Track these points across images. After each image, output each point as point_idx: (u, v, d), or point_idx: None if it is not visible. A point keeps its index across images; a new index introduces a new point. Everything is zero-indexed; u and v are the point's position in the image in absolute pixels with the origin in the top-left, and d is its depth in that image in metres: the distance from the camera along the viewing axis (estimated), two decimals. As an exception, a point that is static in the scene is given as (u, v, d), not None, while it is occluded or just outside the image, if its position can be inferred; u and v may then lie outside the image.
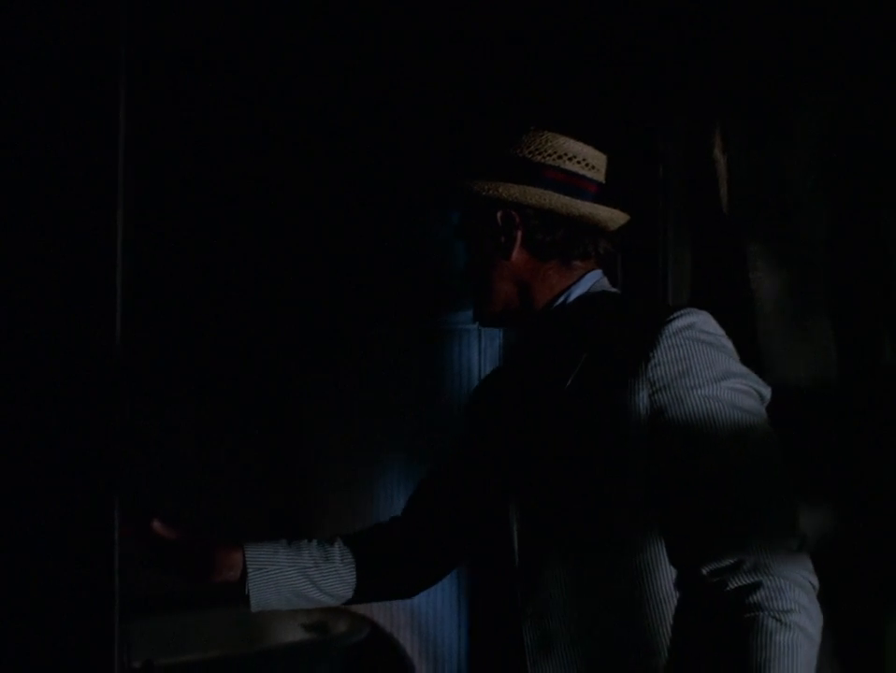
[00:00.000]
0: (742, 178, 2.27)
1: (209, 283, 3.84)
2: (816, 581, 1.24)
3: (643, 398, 1.28)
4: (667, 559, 1.29)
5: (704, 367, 1.28)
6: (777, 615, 1.17)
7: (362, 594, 1.68)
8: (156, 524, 1.58)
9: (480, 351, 3.16)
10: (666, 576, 1.29)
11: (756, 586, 1.19)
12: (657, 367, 1.28)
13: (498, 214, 1.48)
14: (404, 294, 3.58)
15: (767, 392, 1.36)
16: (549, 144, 1.49)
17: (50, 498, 1.16)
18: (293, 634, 3.69)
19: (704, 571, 1.23)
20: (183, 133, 3.64)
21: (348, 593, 1.67)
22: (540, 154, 1.48)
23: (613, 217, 1.51)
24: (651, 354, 1.29)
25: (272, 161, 3.70)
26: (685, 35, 2.34)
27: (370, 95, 3.51)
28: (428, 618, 3.30)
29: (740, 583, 1.20)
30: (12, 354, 1.14)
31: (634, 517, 1.29)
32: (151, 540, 1.58)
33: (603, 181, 1.54)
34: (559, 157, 1.49)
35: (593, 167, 1.52)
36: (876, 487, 2.15)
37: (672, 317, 1.31)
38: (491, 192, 1.46)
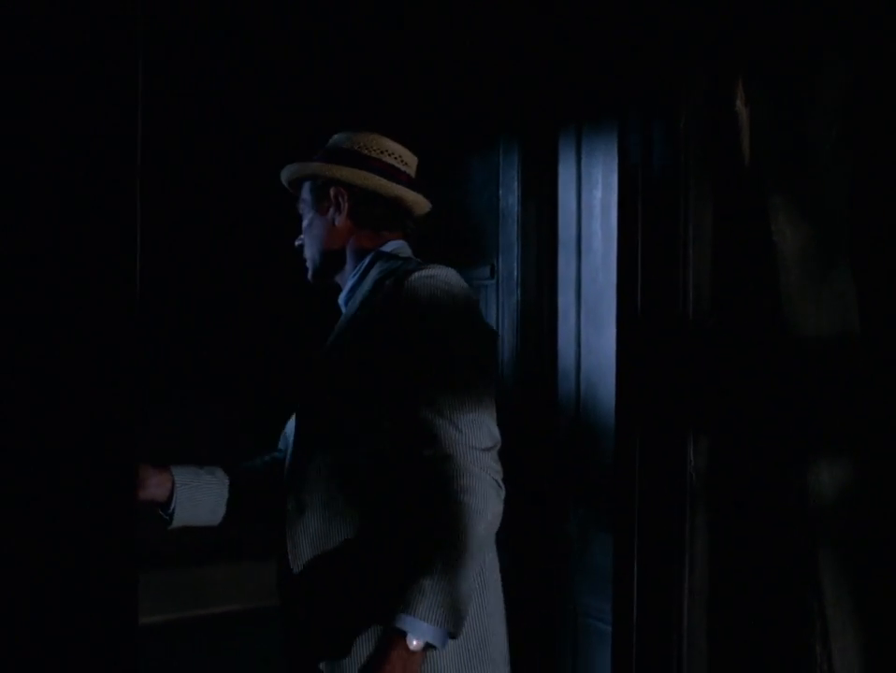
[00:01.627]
0: (764, 130, 2.25)
1: (222, 278, 3.83)
2: (497, 474, 1.63)
3: (391, 326, 1.71)
4: (387, 453, 1.70)
5: (429, 306, 1.70)
6: (454, 494, 1.57)
7: (260, 514, 2.00)
8: None
9: (498, 307, 3.15)
10: (384, 464, 1.70)
11: (445, 471, 1.59)
12: (399, 303, 1.71)
13: (332, 190, 1.93)
14: (419, 252, 3.58)
15: (492, 332, 1.84)
16: (374, 143, 1.97)
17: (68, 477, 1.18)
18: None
19: (421, 455, 1.63)
20: (191, 124, 3.64)
21: (251, 512, 2.00)
22: (367, 149, 1.96)
23: (418, 201, 1.97)
24: (398, 295, 1.71)
25: (280, 148, 3.68)
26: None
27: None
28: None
29: (436, 467, 1.60)
30: (28, 343, 1.15)
31: (369, 417, 1.71)
32: None
33: (413, 175, 2.01)
34: (381, 152, 1.97)
35: (406, 163, 2.00)
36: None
37: (420, 269, 1.73)
38: (328, 173, 1.93)
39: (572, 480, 2.96)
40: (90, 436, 1.19)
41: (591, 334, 2.87)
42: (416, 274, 1.73)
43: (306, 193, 1.99)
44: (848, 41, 2.28)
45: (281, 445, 2.08)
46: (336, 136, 2.03)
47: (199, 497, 1.93)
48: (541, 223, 3.09)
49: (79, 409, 1.18)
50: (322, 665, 1.71)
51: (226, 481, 1.97)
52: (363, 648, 1.66)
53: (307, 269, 2.03)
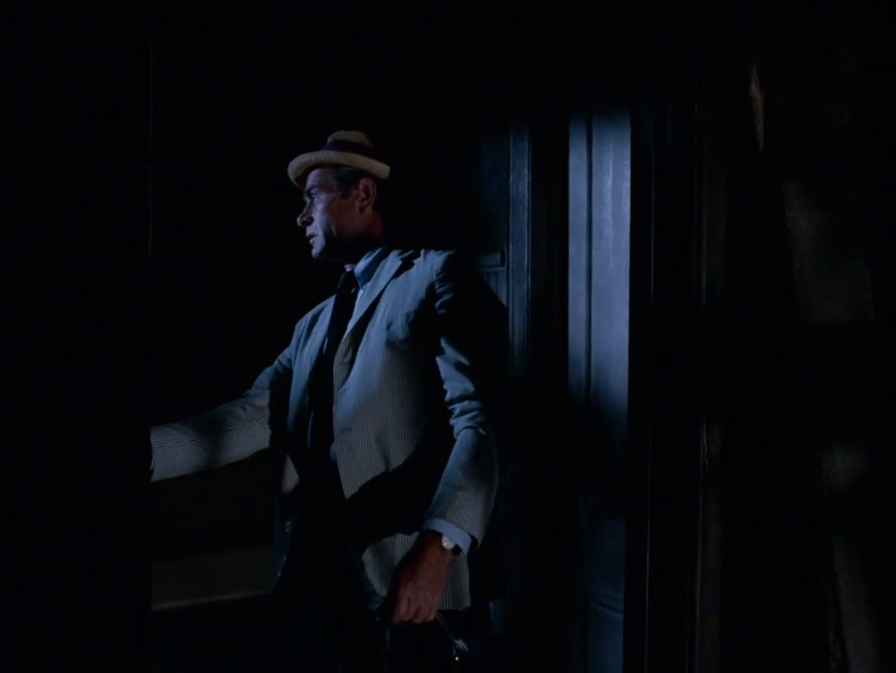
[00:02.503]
0: (778, 115, 2.23)
1: (223, 268, 3.82)
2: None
3: (431, 291, 2.03)
4: (426, 394, 2.02)
5: (462, 279, 2.05)
6: (481, 431, 1.91)
7: (229, 454, 2.23)
8: None
9: (508, 294, 3.15)
10: (428, 405, 2.01)
11: (475, 417, 1.92)
12: (439, 274, 2.05)
13: (362, 181, 2.20)
14: (431, 239, 3.58)
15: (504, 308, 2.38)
16: (371, 140, 2.26)
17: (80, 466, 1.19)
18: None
19: (453, 398, 1.96)
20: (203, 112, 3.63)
21: (220, 456, 2.22)
22: (380, 150, 2.25)
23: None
24: (439, 269, 2.05)
25: (290, 129, 3.67)
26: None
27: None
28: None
29: (469, 413, 1.94)
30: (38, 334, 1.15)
31: (416, 369, 2.02)
32: None
33: None
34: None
35: None
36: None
37: (450, 252, 2.10)
38: (366, 166, 2.20)
39: (583, 468, 2.95)
40: (104, 425, 1.19)
41: (602, 321, 2.86)
42: (452, 256, 2.09)
43: (329, 178, 2.20)
44: (862, 26, 2.27)
45: (253, 392, 2.32)
46: (349, 133, 2.25)
47: (176, 460, 2.13)
48: (552, 211, 3.08)
49: (93, 399, 1.18)
50: (367, 560, 1.99)
51: (196, 435, 2.17)
52: (401, 546, 1.94)
53: (312, 245, 2.24)
